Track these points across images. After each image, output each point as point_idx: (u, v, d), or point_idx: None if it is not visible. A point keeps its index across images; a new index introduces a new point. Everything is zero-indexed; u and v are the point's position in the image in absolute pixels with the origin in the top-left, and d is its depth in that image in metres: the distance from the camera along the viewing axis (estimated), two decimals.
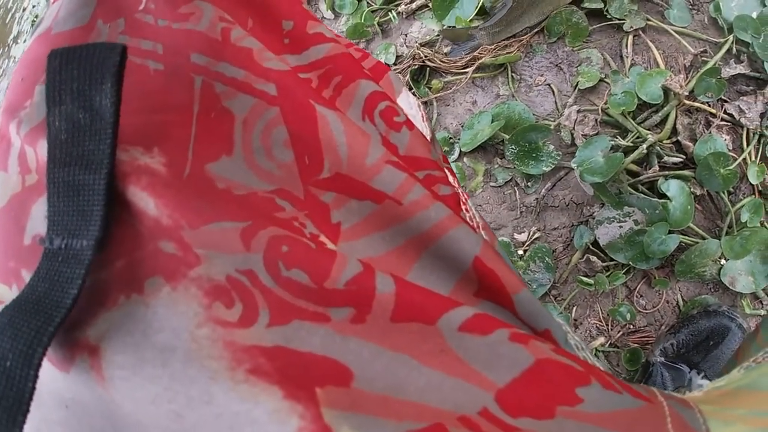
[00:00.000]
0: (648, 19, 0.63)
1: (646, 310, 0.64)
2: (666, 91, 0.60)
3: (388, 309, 0.20)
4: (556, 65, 0.63)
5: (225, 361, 0.19)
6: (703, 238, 0.62)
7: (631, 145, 0.59)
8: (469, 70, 0.63)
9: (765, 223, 0.63)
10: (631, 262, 0.61)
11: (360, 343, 0.20)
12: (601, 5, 0.64)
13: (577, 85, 0.62)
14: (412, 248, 0.23)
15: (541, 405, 0.21)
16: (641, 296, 0.63)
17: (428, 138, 0.29)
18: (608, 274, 0.61)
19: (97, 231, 0.19)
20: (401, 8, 0.72)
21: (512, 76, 0.64)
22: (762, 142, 0.63)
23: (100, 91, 0.20)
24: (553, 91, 0.63)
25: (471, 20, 0.65)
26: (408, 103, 0.30)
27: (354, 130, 0.24)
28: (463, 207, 0.29)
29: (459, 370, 0.20)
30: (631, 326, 0.63)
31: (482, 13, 0.67)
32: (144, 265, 0.20)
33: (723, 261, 0.62)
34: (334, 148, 0.23)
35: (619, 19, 0.63)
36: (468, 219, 0.28)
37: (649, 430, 0.21)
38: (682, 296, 0.63)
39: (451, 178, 0.29)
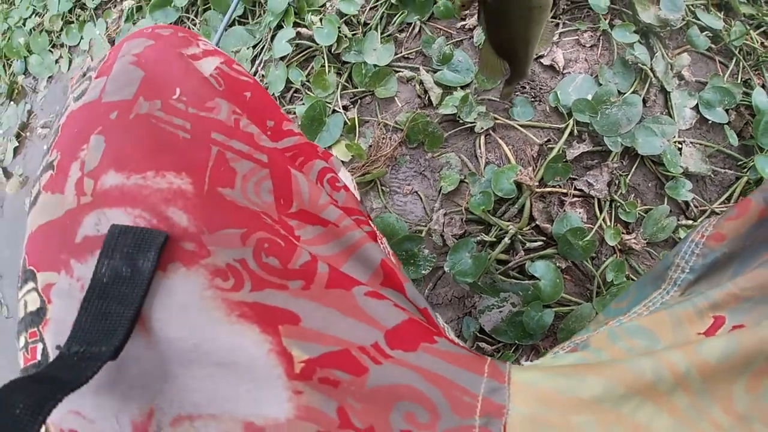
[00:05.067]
0: (496, 119, 0.70)
1: None
2: (518, 184, 0.67)
3: (323, 281, 0.32)
4: (420, 173, 0.70)
5: (223, 310, 0.29)
6: (578, 304, 0.69)
7: (495, 239, 0.66)
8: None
9: (631, 276, 0.71)
10: (517, 341, 0.67)
11: (306, 301, 0.31)
12: (454, 110, 0.70)
13: (440, 189, 0.68)
14: (343, 255, 0.36)
15: (410, 341, 0.33)
16: None
17: (358, 199, 0.44)
18: (499, 355, 0.68)
19: (117, 343, 0.27)
20: None
21: (382, 189, 0.70)
22: (613, 206, 0.71)
23: (144, 257, 0.29)
24: (420, 198, 0.69)
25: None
26: (345, 177, 0.45)
27: (312, 184, 0.37)
28: (380, 241, 0.43)
29: (364, 318, 0.32)
30: None
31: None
32: (169, 255, 0.29)
33: None
34: (300, 195, 0.36)
35: (471, 122, 0.70)
36: (383, 248, 0.42)
37: (474, 366, 0.33)
38: None
39: (368, 228, 0.43)
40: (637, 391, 0.30)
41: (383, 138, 0.71)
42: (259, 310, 0.30)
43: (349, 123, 0.73)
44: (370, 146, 0.72)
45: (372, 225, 0.42)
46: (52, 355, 0.29)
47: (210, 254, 0.30)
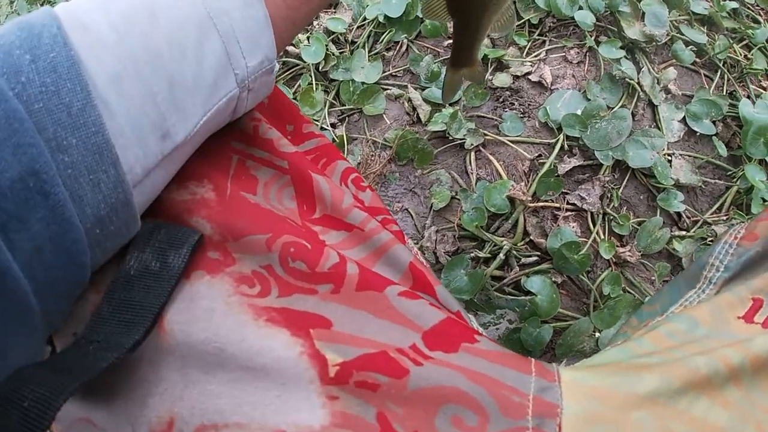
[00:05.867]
0: (485, 135, 0.70)
1: None
2: (511, 199, 0.67)
3: (353, 283, 0.31)
4: (411, 190, 0.69)
5: (250, 315, 0.28)
6: (575, 318, 0.68)
7: (490, 255, 0.65)
8: None
9: (627, 289, 0.70)
10: None
11: (336, 305, 0.30)
12: (443, 127, 0.70)
13: (431, 206, 0.67)
14: (370, 258, 0.35)
15: (450, 342, 0.31)
16: None
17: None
18: None
19: (138, 337, 0.26)
20: None
21: None
22: (606, 219, 0.70)
23: (176, 253, 0.28)
24: (411, 215, 0.68)
25: None
26: None
27: (334, 186, 0.36)
28: (408, 240, 0.41)
29: (399, 319, 0.31)
30: None
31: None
32: (194, 264, 0.29)
33: (597, 333, 0.68)
34: (323, 199, 0.35)
35: (460, 139, 0.70)
36: (409, 248, 0.40)
37: (520, 365, 0.32)
38: None
39: (396, 227, 0.42)
40: (692, 386, 0.30)
41: (372, 155, 0.70)
42: (288, 315, 0.29)
43: (338, 140, 0.72)
44: (359, 164, 0.71)
45: (398, 225, 0.41)
46: None
47: (235, 262, 0.30)
